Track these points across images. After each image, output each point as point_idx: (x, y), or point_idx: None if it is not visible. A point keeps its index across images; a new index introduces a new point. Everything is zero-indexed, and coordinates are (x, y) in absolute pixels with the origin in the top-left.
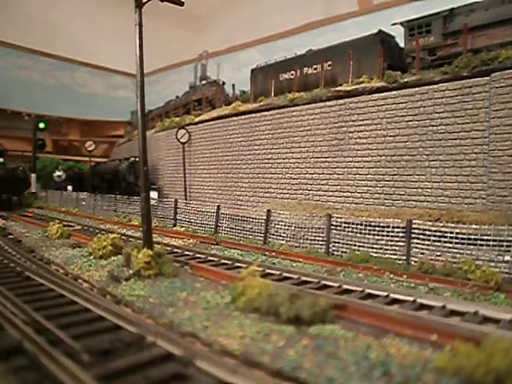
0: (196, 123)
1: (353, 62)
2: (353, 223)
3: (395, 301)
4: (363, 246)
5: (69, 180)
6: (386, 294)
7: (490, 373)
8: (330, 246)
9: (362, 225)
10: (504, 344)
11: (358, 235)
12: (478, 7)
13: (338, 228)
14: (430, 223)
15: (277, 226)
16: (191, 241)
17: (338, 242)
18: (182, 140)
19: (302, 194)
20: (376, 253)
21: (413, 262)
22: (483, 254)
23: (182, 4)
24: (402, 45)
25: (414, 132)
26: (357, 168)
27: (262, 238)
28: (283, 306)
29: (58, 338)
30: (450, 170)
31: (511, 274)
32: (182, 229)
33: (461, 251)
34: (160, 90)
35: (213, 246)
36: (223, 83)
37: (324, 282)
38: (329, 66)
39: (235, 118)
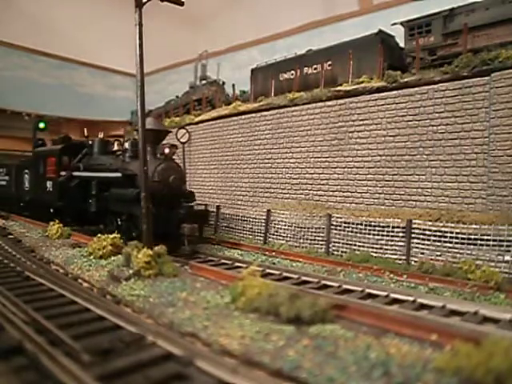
0: (196, 123)
1: (353, 61)
2: (353, 223)
3: (395, 301)
4: (363, 246)
5: None
6: (385, 293)
7: (490, 373)
8: (330, 245)
9: (361, 225)
10: (504, 344)
11: (358, 235)
12: (478, 7)
13: (338, 228)
14: (430, 223)
15: (277, 226)
16: None
17: (338, 242)
18: (181, 140)
19: (302, 193)
20: (376, 253)
21: (413, 262)
22: (483, 254)
23: (182, 4)
24: (402, 45)
25: (414, 132)
26: (357, 168)
27: (261, 238)
28: (283, 306)
29: (58, 337)
30: (449, 170)
31: (511, 274)
32: None
33: (461, 251)
34: (160, 90)
35: (213, 246)
36: (223, 83)
37: (324, 282)
38: (329, 65)
39: (235, 118)
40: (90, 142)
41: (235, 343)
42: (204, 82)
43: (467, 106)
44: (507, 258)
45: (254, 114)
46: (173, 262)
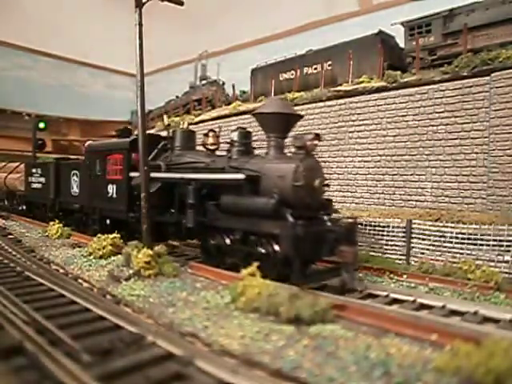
0: (196, 123)
1: (353, 61)
2: None
3: (395, 301)
4: (363, 246)
5: None
6: (385, 293)
7: (490, 373)
8: None
9: (361, 224)
10: (504, 344)
11: (358, 235)
12: (478, 7)
13: None
14: (429, 223)
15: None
16: None
17: None
18: None
19: None
20: (376, 253)
21: (413, 262)
22: (483, 254)
23: (181, 4)
24: (402, 45)
25: (414, 132)
26: (357, 168)
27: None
28: (283, 306)
29: (58, 337)
30: (450, 170)
31: (511, 274)
32: None
33: (461, 251)
34: (160, 90)
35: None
36: (223, 83)
37: (324, 282)
38: (329, 65)
39: (235, 118)
40: (171, 134)
41: (235, 343)
42: (204, 82)
43: (467, 106)
44: (507, 257)
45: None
46: (173, 262)
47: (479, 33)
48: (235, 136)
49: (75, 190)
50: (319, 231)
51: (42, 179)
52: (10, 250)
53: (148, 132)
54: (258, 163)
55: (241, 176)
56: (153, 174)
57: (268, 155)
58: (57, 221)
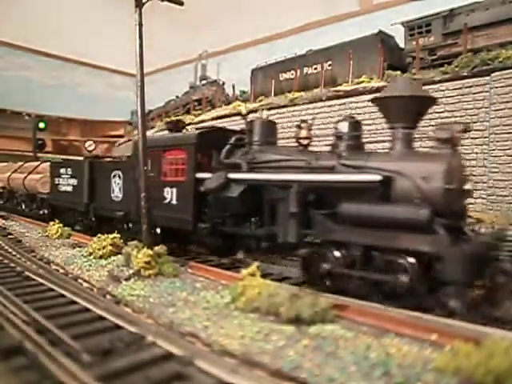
0: (196, 123)
1: (353, 61)
2: None
3: None
4: None
5: None
6: None
7: (490, 373)
8: None
9: None
10: (504, 344)
11: None
12: (478, 7)
13: None
14: None
15: None
16: None
17: None
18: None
19: None
20: None
21: None
22: None
23: (181, 4)
24: (402, 45)
25: None
26: None
27: None
28: (283, 306)
29: (58, 337)
30: None
31: None
32: None
33: None
34: (160, 90)
35: None
36: (223, 83)
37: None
38: (329, 65)
39: (235, 118)
40: (248, 127)
41: (235, 343)
42: (204, 82)
43: (467, 106)
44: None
45: (253, 114)
46: (173, 262)
47: (479, 33)
48: (344, 127)
49: (117, 194)
50: (484, 248)
51: (73, 181)
52: (10, 250)
53: (216, 125)
54: (383, 161)
55: (376, 177)
56: (233, 175)
57: (394, 151)
58: (58, 223)
